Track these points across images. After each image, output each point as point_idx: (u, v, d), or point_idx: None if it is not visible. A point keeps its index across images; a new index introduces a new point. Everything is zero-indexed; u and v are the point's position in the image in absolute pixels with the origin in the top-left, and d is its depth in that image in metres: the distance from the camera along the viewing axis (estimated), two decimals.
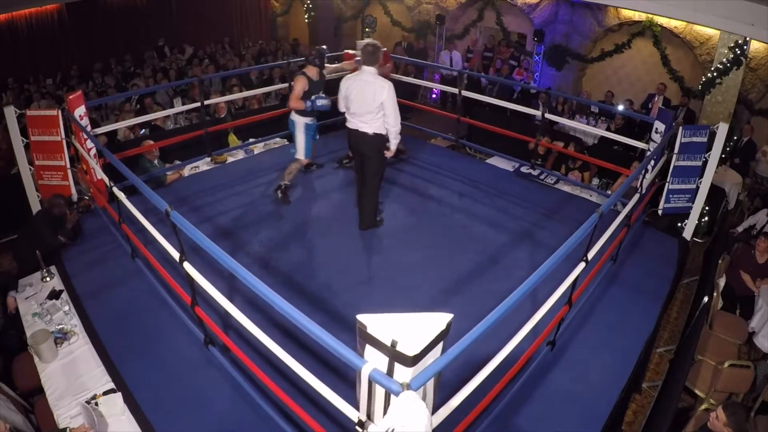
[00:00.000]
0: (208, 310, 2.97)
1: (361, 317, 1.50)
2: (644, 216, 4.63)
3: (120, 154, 4.17)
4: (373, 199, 4.19)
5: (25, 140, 4.22)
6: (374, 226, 4.28)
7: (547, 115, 5.47)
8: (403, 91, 7.42)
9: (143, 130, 6.32)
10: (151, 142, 5.02)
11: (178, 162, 5.42)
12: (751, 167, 6.97)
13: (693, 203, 4.45)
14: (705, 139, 4.30)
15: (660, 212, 4.60)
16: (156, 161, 5.08)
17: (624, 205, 3.72)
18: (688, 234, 4.49)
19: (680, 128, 4.32)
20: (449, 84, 8.80)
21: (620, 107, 6.78)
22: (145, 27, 11.18)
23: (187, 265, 2.61)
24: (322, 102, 4.36)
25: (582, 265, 2.76)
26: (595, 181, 5.89)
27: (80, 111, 4.25)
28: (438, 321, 1.51)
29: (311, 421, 2.29)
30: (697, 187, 4.40)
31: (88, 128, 4.37)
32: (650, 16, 7.78)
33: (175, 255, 2.65)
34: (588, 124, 7.29)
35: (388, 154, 4.01)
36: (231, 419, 2.65)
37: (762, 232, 4.64)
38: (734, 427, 2.57)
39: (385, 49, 4.09)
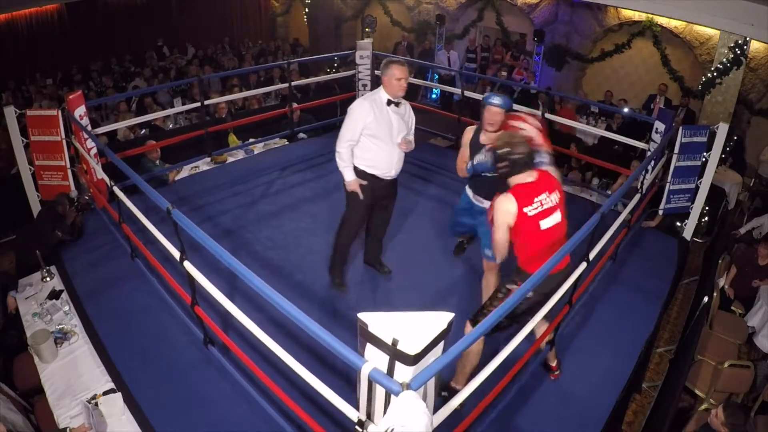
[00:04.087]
0: (208, 309, 2.97)
1: (362, 315, 1.50)
2: (644, 216, 4.63)
3: (121, 153, 4.17)
4: (336, 243, 3.52)
5: (25, 140, 4.22)
6: (331, 278, 3.59)
7: (547, 115, 5.46)
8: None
9: (143, 131, 6.33)
10: (154, 142, 5.03)
11: (182, 162, 5.43)
12: (752, 166, 6.97)
13: (693, 203, 4.45)
14: (705, 139, 4.30)
15: (660, 212, 4.60)
16: (158, 161, 5.09)
17: (624, 205, 3.72)
18: (688, 234, 4.49)
19: (680, 128, 4.32)
20: (447, 84, 8.80)
21: (626, 110, 6.79)
22: (145, 27, 11.17)
23: (187, 264, 2.61)
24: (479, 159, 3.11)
25: (583, 265, 2.76)
26: (595, 181, 5.89)
27: (80, 111, 4.25)
28: (439, 320, 1.50)
29: (311, 420, 2.29)
30: (697, 187, 4.40)
31: (89, 128, 4.37)
32: (650, 16, 7.78)
33: (176, 254, 2.66)
34: (588, 124, 7.28)
35: (347, 187, 3.26)
36: (231, 419, 2.64)
37: (764, 238, 4.64)
38: (730, 428, 2.58)
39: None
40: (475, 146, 3.12)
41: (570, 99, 7.98)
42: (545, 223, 2.43)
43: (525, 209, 2.38)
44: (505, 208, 2.39)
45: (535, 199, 2.41)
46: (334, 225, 4.36)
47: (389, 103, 3.14)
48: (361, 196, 3.26)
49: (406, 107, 3.27)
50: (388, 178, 3.30)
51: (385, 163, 3.22)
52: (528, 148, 2.43)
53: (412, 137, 3.34)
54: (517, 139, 2.46)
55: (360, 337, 1.55)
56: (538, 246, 2.46)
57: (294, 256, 3.94)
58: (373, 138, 3.13)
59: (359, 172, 3.23)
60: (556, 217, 2.48)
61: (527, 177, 2.45)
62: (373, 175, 3.24)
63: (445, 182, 5.24)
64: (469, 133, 3.21)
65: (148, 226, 2.99)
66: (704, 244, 5.68)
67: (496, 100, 2.99)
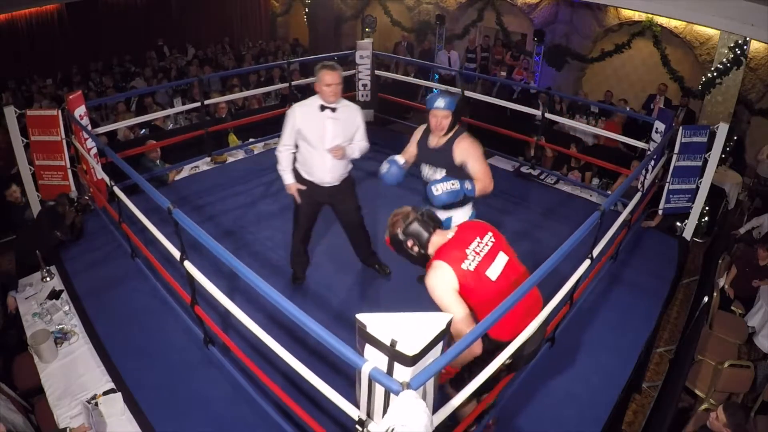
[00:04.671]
0: (208, 309, 2.97)
1: (361, 316, 1.50)
2: (644, 216, 4.64)
3: (121, 153, 4.17)
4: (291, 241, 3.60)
5: (25, 140, 4.22)
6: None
7: (547, 115, 5.47)
8: (403, 91, 7.49)
9: (143, 131, 6.33)
10: (154, 142, 5.03)
11: (182, 162, 5.43)
12: (752, 166, 6.97)
13: (693, 203, 4.45)
14: (705, 139, 4.30)
15: (660, 212, 4.60)
16: (158, 161, 5.09)
17: (625, 205, 3.72)
18: (688, 234, 4.49)
19: (680, 128, 4.32)
20: (448, 84, 8.80)
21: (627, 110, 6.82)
22: (145, 27, 11.18)
23: (187, 264, 2.61)
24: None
25: (587, 262, 2.76)
26: (595, 181, 5.89)
27: (80, 111, 4.25)
28: (438, 321, 1.50)
29: (311, 420, 2.29)
30: (697, 187, 4.40)
31: (89, 128, 4.37)
32: (650, 16, 7.78)
33: (176, 254, 2.66)
34: (588, 124, 7.28)
35: (286, 190, 3.33)
36: (231, 419, 2.65)
37: (763, 239, 4.64)
38: (733, 429, 2.57)
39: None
40: (424, 148, 2.98)
41: (569, 99, 7.99)
42: (493, 272, 2.02)
43: (462, 266, 1.96)
44: (441, 277, 1.95)
45: (467, 250, 1.99)
46: (333, 225, 4.37)
47: (323, 108, 3.06)
48: (298, 200, 3.31)
49: (350, 113, 3.15)
50: (326, 185, 3.24)
51: (318, 169, 3.17)
52: (414, 212, 2.10)
53: (356, 144, 3.21)
54: (399, 216, 2.11)
55: (359, 337, 1.54)
56: (498, 303, 1.89)
57: None
58: (305, 143, 3.12)
59: (299, 177, 3.26)
60: (502, 259, 2.07)
61: (445, 235, 2.09)
62: (311, 181, 3.23)
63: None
64: (418, 132, 3.04)
65: (148, 226, 2.99)
66: (704, 244, 5.68)
67: (440, 102, 2.80)
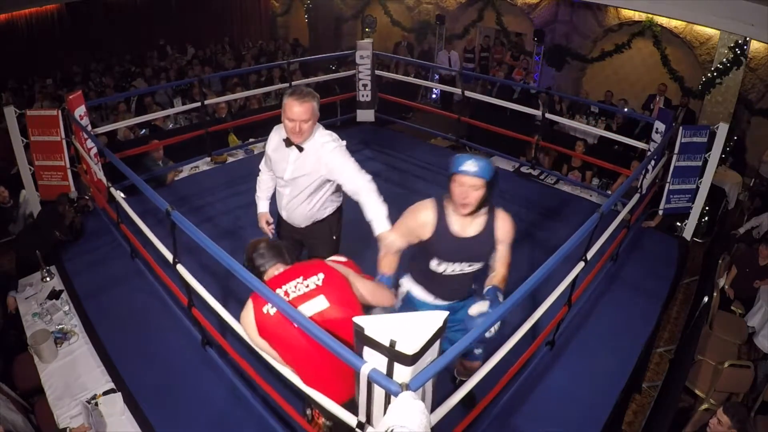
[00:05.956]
0: (205, 311, 2.96)
1: (357, 319, 1.50)
2: (644, 216, 4.63)
3: (120, 154, 4.18)
4: None
5: (25, 140, 4.22)
6: None
7: (548, 115, 5.46)
8: (403, 91, 7.49)
9: (143, 131, 6.33)
10: (157, 141, 5.03)
11: (182, 162, 5.43)
12: (753, 166, 6.96)
13: (693, 203, 4.45)
14: (705, 139, 4.30)
15: (660, 212, 4.60)
16: (160, 162, 5.08)
17: (624, 205, 3.72)
18: (688, 234, 4.49)
19: (680, 128, 4.32)
20: (448, 84, 8.80)
21: (625, 110, 6.81)
22: (145, 27, 11.18)
23: (180, 268, 2.61)
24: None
25: (581, 264, 2.76)
26: (595, 181, 5.89)
27: (80, 111, 4.25)
28: (434, 319, 1.50)
29: (306, 424, 2.28)
30: (697, 187, 4.40)
31: (89, 128, 4.37)
32: (650, 16, 7.78)
33: (169, 257, 2.65)
34: (588, 124, 7.28)
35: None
36: (230, 420, 2.64)
37: (764, 238, 4.64)
38: (738, 427, 2.57)
39: None
40: (445, 240, 2.08)
41: (569, 99, 7.99)
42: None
43: (263, 309, 1.78)
44: (245, 318, 1.84)
45: (278, 290, 1.78)
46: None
47: (288, 143, 2.44)
48: (270, 234, 2.81)
49: (322, 154, 2.43)
50: (290, 222, 2.72)
51: (279, 201, 2.71)
52: (264, 242, 1.97)
53: (361, 196, 2.42)
54: (250, 245, 1.98)
55: (356, 340, 1.54)
56: (308, 358, 1.79)
57: None
58: (273, 171, 2.66)
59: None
60: (318, 303, 1.77)
61: (276, 270, 1.91)
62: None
63: (446, 182, 5.22)
64: (419, 216, 2.14)
65: (143, 228, 2.98)
66: (704, 244, 5.68)
67: (470, 165, 1.95)
